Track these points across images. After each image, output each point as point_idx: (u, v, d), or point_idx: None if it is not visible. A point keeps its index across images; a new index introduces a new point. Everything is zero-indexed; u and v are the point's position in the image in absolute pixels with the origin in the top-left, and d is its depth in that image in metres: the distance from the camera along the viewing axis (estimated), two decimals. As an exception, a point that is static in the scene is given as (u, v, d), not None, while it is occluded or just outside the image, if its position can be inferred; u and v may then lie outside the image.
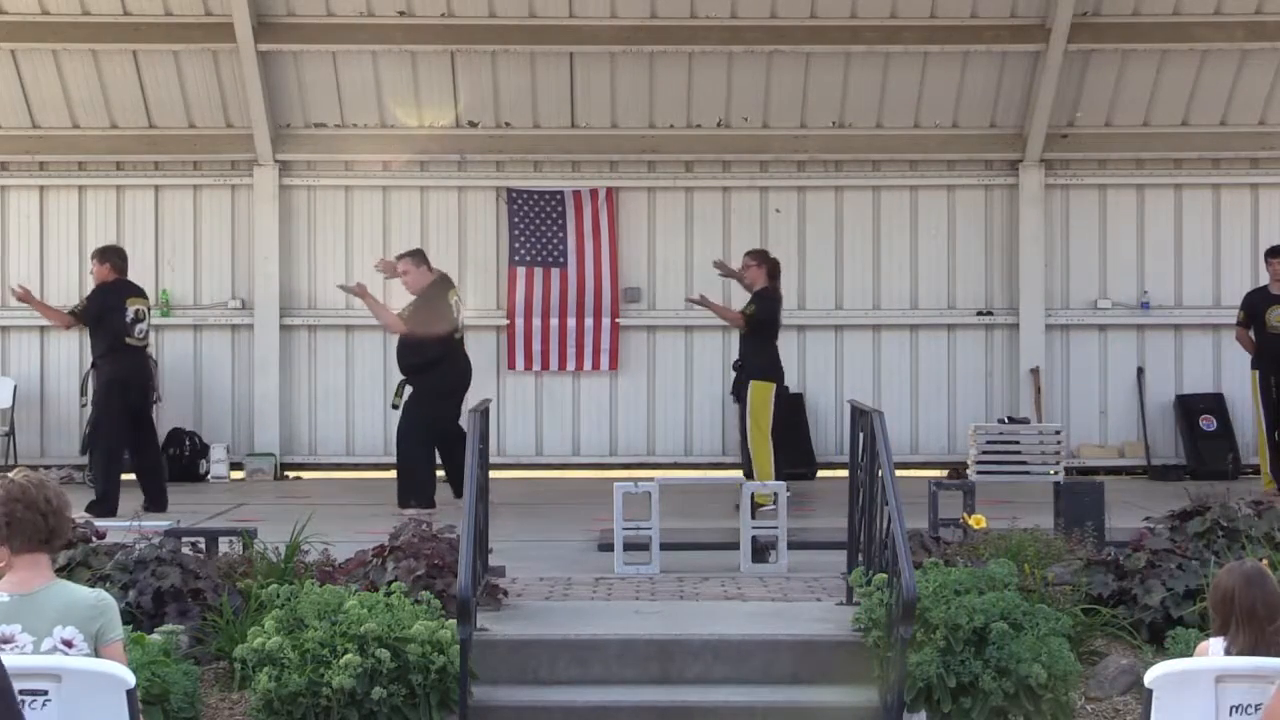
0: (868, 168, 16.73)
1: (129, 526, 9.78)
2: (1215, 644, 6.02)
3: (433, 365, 13.47)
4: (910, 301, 16.74)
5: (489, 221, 16.66)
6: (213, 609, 8.69)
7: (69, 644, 5.47)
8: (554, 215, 16.49)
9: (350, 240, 16.62)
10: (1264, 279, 15.24)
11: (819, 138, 16.62)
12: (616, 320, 16.56)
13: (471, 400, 12.06)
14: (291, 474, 16.47)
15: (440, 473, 13.57)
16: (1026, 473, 11.60)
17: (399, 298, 14.15)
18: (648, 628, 8.82)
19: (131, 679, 5.45)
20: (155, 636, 8.21)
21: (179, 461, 15.94)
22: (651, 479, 10.82)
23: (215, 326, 16.64)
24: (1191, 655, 6.53)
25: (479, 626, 8.34)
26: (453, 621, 7.95)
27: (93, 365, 13.80)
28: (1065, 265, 16.71)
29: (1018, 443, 11.65)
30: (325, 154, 16.59)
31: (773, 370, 13.25)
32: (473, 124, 16.55)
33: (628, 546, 10.51)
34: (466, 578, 7.89)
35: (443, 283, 13.84)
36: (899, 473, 9.00)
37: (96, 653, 5.51)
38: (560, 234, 16.50)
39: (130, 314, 13.31)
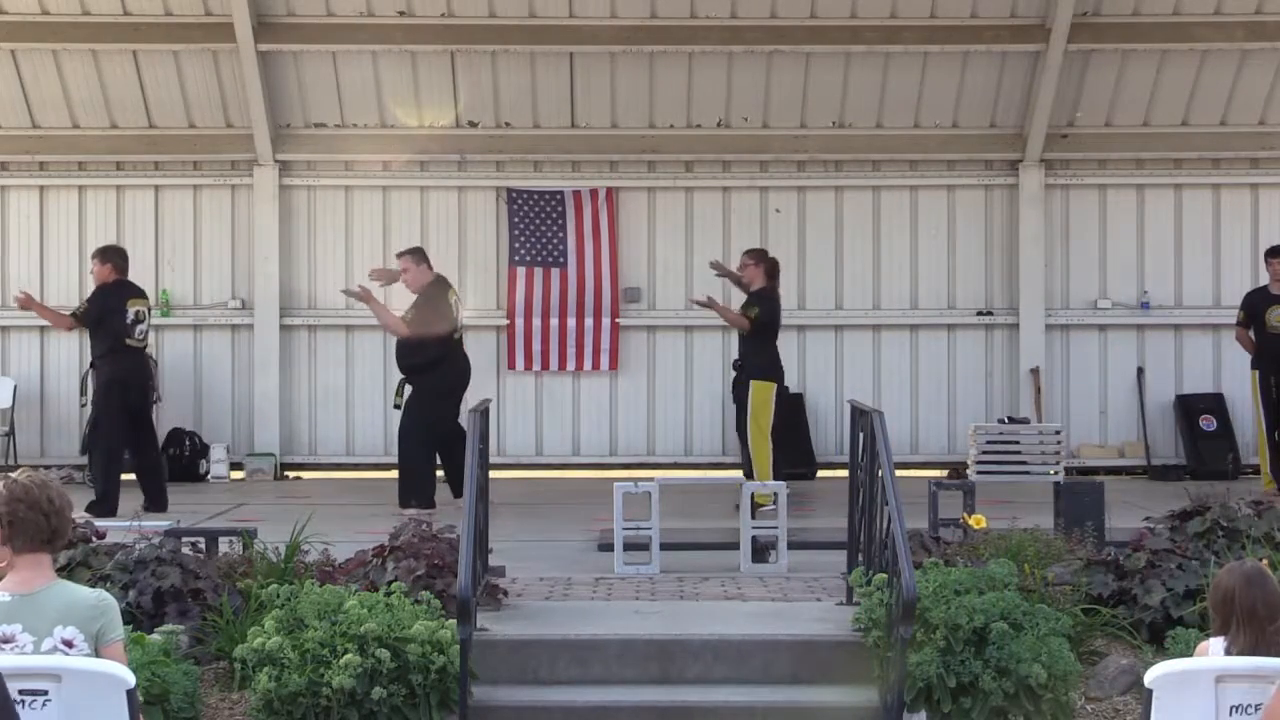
0: (868, 168, 16.73)
1: (129, 526, 9.78)
2: (1215, 644, 6.02)
3: (432, 365, 13.47)
4: (910, 301, 16.74)
5: (489, 221, 16.66)
6: (213, 609, 8.69)
7: (69, 644, 5.47)
8: (554, 215, 16.49)
9: (350, 240, 16.62)
10: (1264, 279, 15.24)
11: (819, 138, 16.62)
12: (616, 320, 16.56)
13: (471, 400, 12.05)
14: (291, 474, 16.47)
15: (440, 473, 13.58)
16: (1026, 473, 11.60)
17: (399, 300, 14.15)
18: (648, 628, 8.82)
19: (131, 679, 5.45)
20: (155, 636, 8.21)
21: (179, 461, 15.94)
22: (651, 479, 10.82)
23: (215, 326, 16.64)
24: (1191, 655, 6.53)
25: (479, 626, 8.34)
26: (453, 621, 7.95)
27: (91, 365, 13.79)
28: (1065, 265, 16.71)
29: (1018, 443, 11.65)
30: (325, 154, 16.59)
31: (773, 370, 13.26)
32: (473, 124, 16.55)
33: (628, 546, 10.51)
34: (466, 578, 7.89)
35: (441, 282, 13.86)
36: (899, 473, 9.01)
37: (97, 653, 5.51)
38: (560, 234, 16.50)
39: (131, 315, 13.31)
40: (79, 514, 9.37)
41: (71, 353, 16.28)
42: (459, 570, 8.04)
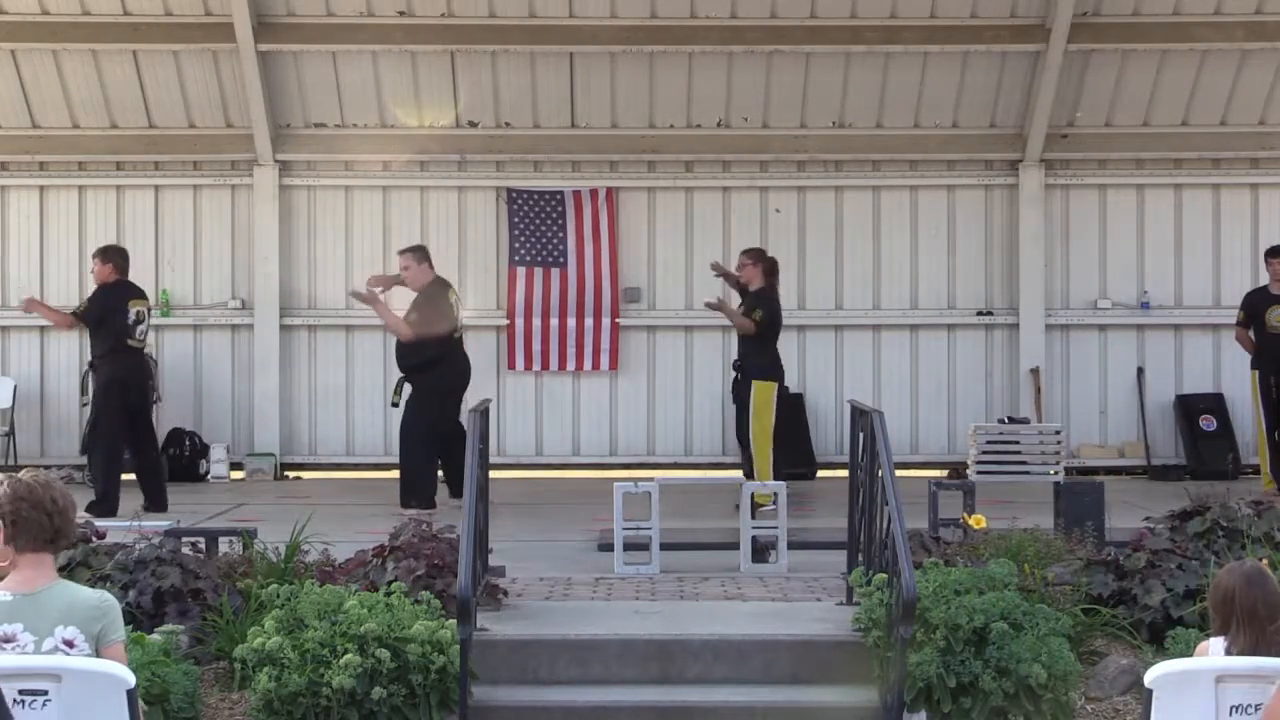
0: (868, 168, 16.73)
1: (129, 526, 9.78)
2: (1215, 644, 6.02)
3: (432, 365, 13.48)
4: (910, 301, 16.74)
5: (489, 221, 16.66)
6: (213, 609, 8.70)
7: (70, 644, 5.47)
8: (554, 215, 16.49)
9: (350, 240, 16.63)
10: (1264, 279, 15.24)
11: (819, 138, 16.62)
12: (616, 320, 16.56)
13: (471, 400, 12.06)
14: (291, 474, 16.47)
15: (440, 473, 13.59)
16: (1026, 473, 11.60)
17: (399, 300, 14.14)
18: (648, 628, 8.82)
19: (132, 679, 5.45)
20: (155, 636, 8.22)
21: (179, 461, 15.95)
22: (651, 479, 10.82)
23: (215, 326, 16.64)
24: (1191, 655, 6.53)
25: (479, 626, 8.34)
26: (453, 621, 7.95)
27: (91, 365, 13.79)
28: (1065, 265, 16.71)
29: (1018, 443, 11.64)
30: (325, 154, 16.59)
31: (774, 370, 13.26)
32: (473, 124, 16.55)
33: (628, 546, 10.51)
34: (466, 578, 7.89)
35: (441, 282, 13.87)
36: (899, 473, 9.01)
37: (98, 653, 5.51)
38: (560, 234, 16.50)
39: (131, 315, 13.32)
40: (79, 514, 9.36)
41: (71, 353, 16.28)
42: (459, 570, 8.04)
